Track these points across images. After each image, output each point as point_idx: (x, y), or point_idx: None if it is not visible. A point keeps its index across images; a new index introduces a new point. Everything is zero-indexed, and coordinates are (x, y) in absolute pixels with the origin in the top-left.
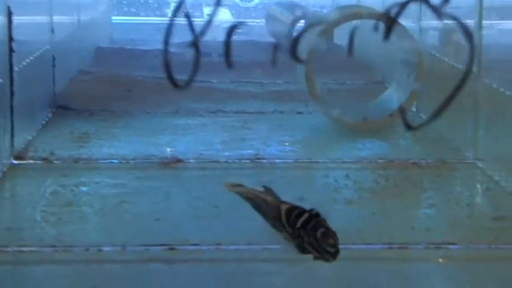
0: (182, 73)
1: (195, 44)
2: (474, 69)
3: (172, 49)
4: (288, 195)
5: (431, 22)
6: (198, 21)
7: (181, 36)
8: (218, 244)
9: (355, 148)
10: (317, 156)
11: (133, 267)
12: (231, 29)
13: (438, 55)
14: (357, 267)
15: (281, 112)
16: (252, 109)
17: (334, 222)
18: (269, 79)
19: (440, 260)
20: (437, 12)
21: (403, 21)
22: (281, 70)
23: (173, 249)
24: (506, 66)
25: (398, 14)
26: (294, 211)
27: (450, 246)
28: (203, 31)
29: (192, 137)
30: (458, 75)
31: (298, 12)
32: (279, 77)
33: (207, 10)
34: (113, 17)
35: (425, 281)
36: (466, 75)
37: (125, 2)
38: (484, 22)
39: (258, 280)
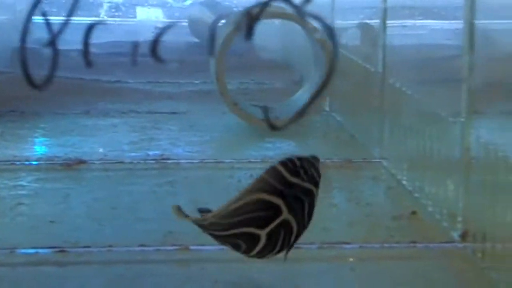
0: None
1: (52, 43)
2: (379, 69)
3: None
4: (189, 196)
5: (343, 22)
6: (132, 21)
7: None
8: (110, 246)
9: (264, 148)
10: (224, 156)
11: (22, 271)
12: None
13: (349, 55)
14: (246, 268)
15: (194, 112)
16: (165, 109)
17: None
18: (187, 79)
19: (332, 259)
20: (298, 11)
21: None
22: (200, 69)
23: (63, 251)
24: (410, 66)
25: (260, 13)
26: None
27: (344, 246)
28: (61, 30)
29: (100, 138)
30: (368, 76)
31: (220, 12)
32: (197, 76)
33: (140, 11)
34: (34, 17)
35: (314, 281)
36: (329, 73)
37: (46, 1)
38: (389, 22)
39: (148, 282)
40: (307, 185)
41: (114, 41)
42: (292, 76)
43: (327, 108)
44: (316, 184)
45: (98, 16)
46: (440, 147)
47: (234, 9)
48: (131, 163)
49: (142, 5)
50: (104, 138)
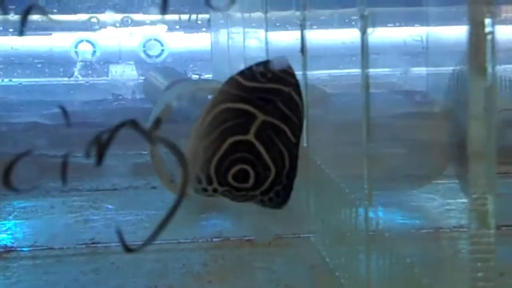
0: None
1: None
2: (304, 143)
3: (46, 121)
4: (110, 284)
5: None
6: (104, 80)
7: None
8: None
9: (198, 226)
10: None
11: None
12: None
13: None
14: None
15: (136, 188)
16: (107, 185)
17: None
18: (136, 150)
19: None
20: None
21: None
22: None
23: None
24: (330, 142)
25: (109, 140)
26: None
27: None
28: None
29: (36, 221)
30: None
31: (173, 78)
32: (146, 146)
33: (114, 69)
34: None
35: None
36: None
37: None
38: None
39: None
40: (270, 85)
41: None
42: None
43: None
44: (283, 81)
45: (72, 75)
46: (351, 222)
47: (188, 76)
48: (60, 249)
49: (116, 63)
50: (39, 222)
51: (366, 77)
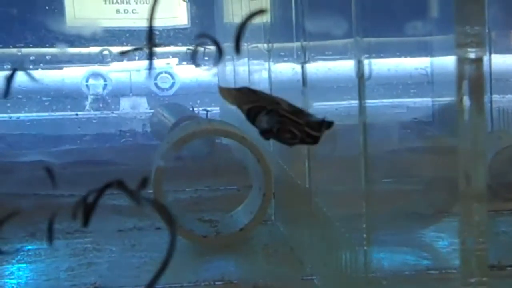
0: None
1: None
2: (307, 184)
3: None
4: None
5: None
6: (115, 113)
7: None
8: None
9: (201, 269)
10: (158, 280)
11: None
12: None
13: (285, 166)
14: None
15: (139, 229)
16: (112, 226)
17: None
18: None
19: None
20: None
21: None
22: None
23: None
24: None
25: (95, 201)
26: None
27: None
28: None
29: (39, 265)
30: (302, 191)
31: (180, 115)
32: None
33: (124, 102)
34: None
35: None
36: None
37: None
38: None
39: None
40: None
41: (73, 148)
42: (247, 180)
43: (272, 217)
44: None
45: (83, 109)
46: (352, 269)
47: (195, 112)
48: None
49: (127, 96)
50: (42, 265)
51: (363, 110)
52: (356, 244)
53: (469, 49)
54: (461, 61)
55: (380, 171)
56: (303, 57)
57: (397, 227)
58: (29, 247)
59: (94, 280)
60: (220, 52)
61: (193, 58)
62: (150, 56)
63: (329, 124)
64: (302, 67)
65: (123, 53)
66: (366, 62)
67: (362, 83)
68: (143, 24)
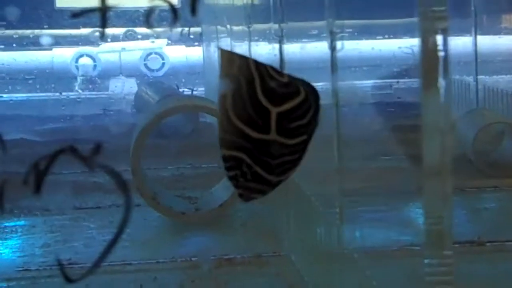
0: None
1: None
2: None
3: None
4: None
5: None
6: (104, 94)
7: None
8: None
9: (178, 245)
10: (133, 257)
11: None
12: None
13: None
14: None
15: (118, 206)
16: (91, 203)
17: None
18: (125, 166)
19: None
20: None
21: None
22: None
23: None
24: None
25: (48, 167)
26: None
27: None
28: None
29: (15, 241)
30: None
31: (164, 93)
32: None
33: (114, 83)
34: None
35: None
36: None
37: None
38: None
39: None
40: None
41: (56, 127)
42: None
43: None
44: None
45: (72, 90)
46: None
47: (180, 90)
48: (36, 270)
49: (117, 77)
50: (18, 242)
51: (335, 91)
52: (331, 220)
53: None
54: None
55: (361, 149)
56: (280, 37)
57: (379, 204)
58: (6, 224)
59: (69, 256)
60: (175, 15)
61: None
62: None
63: None
64: (280, 47)
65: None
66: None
67: (334, 55)
68: (134, 4)
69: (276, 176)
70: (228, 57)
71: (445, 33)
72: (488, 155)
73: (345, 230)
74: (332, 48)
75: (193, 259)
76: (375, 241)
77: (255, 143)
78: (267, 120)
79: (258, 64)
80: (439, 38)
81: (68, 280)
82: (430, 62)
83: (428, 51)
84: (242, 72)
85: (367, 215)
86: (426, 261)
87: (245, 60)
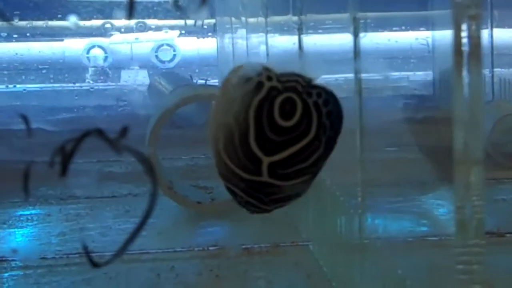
0: None
1: None
2: None
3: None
4: None
5: None
6: (115, 85)
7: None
8: None
9: (195, 234)
10: (150, 246)
11: None
12: None
13: None
14: None
15: (135, 195)
16: (106, 192)
17: None
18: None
19: None
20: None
21: None
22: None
23: None
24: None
25: (73, 150)
26: None
27: None
28: None
29: (31, 230)
30: None
31: (178, 83)
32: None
33: (125, 75)
34: None
35: None
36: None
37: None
38: None
39: None
40: None
41: (70, 116)
42: None
43: None
44: None
45: (83, 81)
46: (348, 230)
47: (194, 81)
48: (53, 258)
49: (128, 68)
50: (34, 230)
51: (359, 82)
52: (351, 209)
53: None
54: (457, 28)
55: (380, 140)
56: (300, 29)
57: (396, 194)
58: (22, 212)
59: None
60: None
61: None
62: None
63: None
64: (300, 39)
65: None
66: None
67: (357, 42)
68: None
69: (273, 206)
70: (224, 103)
71: (477, 20)
72: (505, 146)
73: (366, 220)
74: (355, 35)
75: (210, 248)
76: (396, 231)
77: (247, 182)
78: (258, 166)
79: (260, 109)
80: (472, 24)
81: (94, 265)
82: (463, 49)
83: (459, 37)
84: (237, 122)
85: (388, 206)
86: (457, 250)
87: (244, 108)
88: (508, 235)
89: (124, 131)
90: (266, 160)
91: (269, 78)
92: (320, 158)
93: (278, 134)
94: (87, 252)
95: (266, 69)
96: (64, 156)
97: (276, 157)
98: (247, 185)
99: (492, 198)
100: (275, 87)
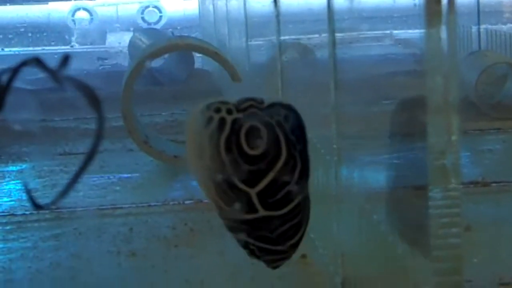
0: None
1: None
2: None
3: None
4: (69, 250)
5: None
6: (101, 47)
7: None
8: None
9: (171, 189)
10: (124, 201)
11: None
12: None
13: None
14: None
15: (111, 151)
16: (81, 149)
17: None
18: (118, 113)
19: None
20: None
21: None
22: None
23: None
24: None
25: (9, 83)
26: None
27: None
28: None
29: (2, 187)
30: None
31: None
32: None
33: (111, 37)
34: None
35: None
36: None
37: None
38: None
39: None
40: None
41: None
42: None
43: None
44: None
45: (69, 43)
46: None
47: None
48: (23, 214)
49: (114, 31)
50: (6, 187)
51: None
52: (328, 162)
53: None
54: None
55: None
56: None
57: (372, 148)
58: None
59: None
60: None
61: None
62: None
63: None
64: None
65: None
66: None
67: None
68: None
69: (284, 244)
70: (196, 151)
71: None
72: (491, 97)
73: (342, 172)
74: None
75: (186, 202)
76: (373, 182)
77: (248, 224)
78: (249, 200)
79: (229, 146)
80: None
81: (37, 206)
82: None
83: None
84: (214, 163)
85: (366, 158)
86: (431, 194)
87: (215, 149)
88: (493, 184)
89: (65, 60)
90: (253, 192)
91: (229, 111)
92: (302, 173)
93: (252, 163)
94: (29, 194)
95: (223, 102)
96: (1, 88)
97: (261, 185)
98: (249, 226)
99: (478, 148)
100: (236, 119)
